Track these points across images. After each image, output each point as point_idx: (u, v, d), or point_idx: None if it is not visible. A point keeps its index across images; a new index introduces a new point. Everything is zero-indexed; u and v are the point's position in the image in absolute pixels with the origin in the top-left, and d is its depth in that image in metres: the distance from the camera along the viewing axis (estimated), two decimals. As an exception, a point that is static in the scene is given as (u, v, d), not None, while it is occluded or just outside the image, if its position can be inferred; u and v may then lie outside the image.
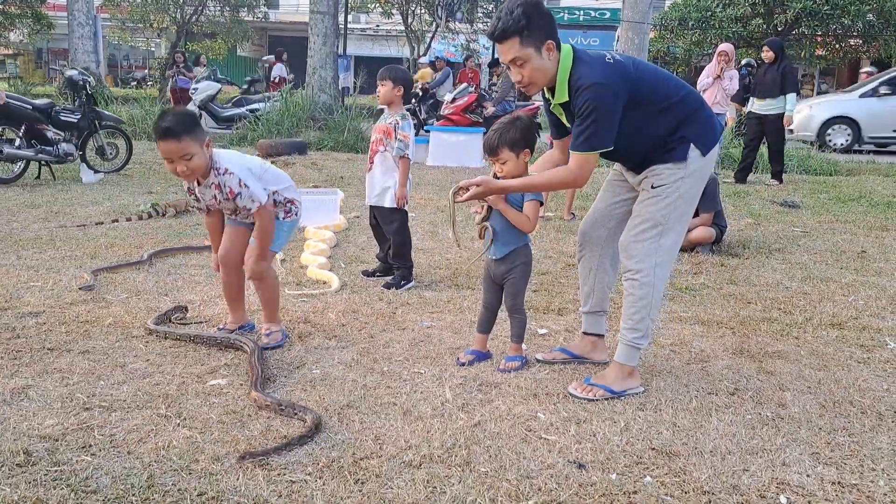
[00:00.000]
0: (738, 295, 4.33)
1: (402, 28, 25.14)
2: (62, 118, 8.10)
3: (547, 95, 2.84)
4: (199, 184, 3.13)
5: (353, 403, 2.73)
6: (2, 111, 7.48)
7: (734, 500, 2.18)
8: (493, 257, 3.05)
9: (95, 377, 2.92)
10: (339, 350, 3.26)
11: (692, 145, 2.76)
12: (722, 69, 8.61)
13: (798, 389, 2.96)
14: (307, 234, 5.60)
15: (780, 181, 9.03)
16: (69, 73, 8.71)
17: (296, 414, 2.59)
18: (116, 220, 6.09)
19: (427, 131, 11.45)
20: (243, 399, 2.75)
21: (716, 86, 8.56)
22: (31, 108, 7.79)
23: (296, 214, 3.40)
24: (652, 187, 2.79)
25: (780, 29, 19.74)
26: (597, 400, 2.77)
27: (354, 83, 16.80)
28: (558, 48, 2.71)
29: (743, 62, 13.83)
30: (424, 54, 23.56)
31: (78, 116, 8.27)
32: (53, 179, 8.06)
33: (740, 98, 13.17)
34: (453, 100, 12.32)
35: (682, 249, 5.36)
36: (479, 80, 16.60)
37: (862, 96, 14.55)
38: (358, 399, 2.77)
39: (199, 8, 27.56)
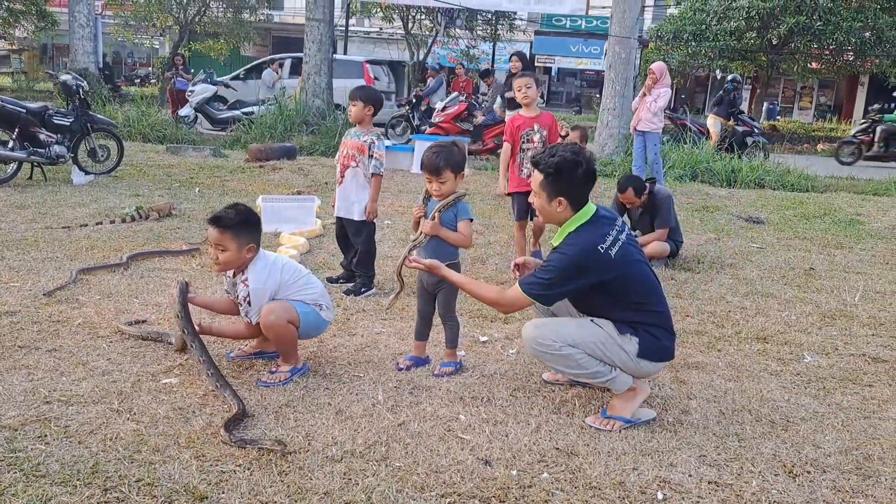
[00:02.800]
0: (679, 308, 4.58)
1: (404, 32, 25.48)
2: (55, 121, 8.36)
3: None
4: (234, 274, 3.27)
5: (290, 403, 2.99)
6: (-4, 113, 7.75)
7: (617, 494, 2.43)
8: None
9: (59, 374, 3.18)
10: (288, 353, 3.51)
11: (638, 340, 2.88)
12: (649, 87, 8.59)
13: (704, 398, 3.21)
14: (281, 241, 5.85)
15: None
16: (63, 77, 8.97)
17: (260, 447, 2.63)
18: (100, 223, 6.33)
19: (410, 139, 11.71)
20: (191, 396, 3.01)
21: (643, 103, 8.69)
22: (24, 111, 8.05)
23: (319, 307, 3.33)
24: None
25: (774, 43, 20.01)
26: (612, 431, 2.86)
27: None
28: (576, 207, 2.91)
29: (729, 77, 14.08)
30: (425, 59, 23.88)
31: (71, 119, 8.53)
32: (45, 180, 8.32)
33: (725, 113, 13.46)
34: (444, 108, 12.58)
35: (637, 263, 5.61)
36: (471, 89, 16.85)
37: None
38: (296, 399, 3.03)
39: (202, 8, 27.91)
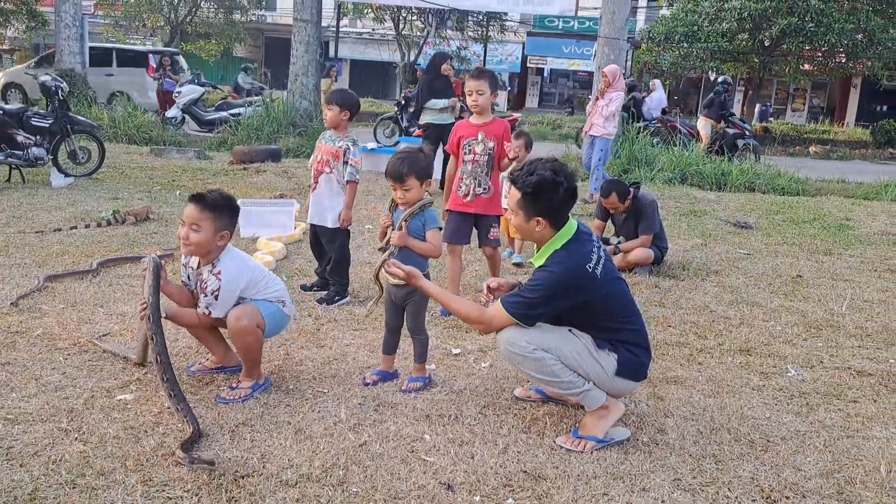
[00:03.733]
0: (662, 318, 4.46)
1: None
2: (33, 123, 8.21)
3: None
4: (197, 263, 3.13)
5: (248, 421, 2.86)
6: (-29, 116, 7.61)
7: (584, 523, 2.30)
8: (394, 282, 3.17)
9: (9, 389, 3.04)
10: (251, 367, 3.38)
11: (617, 356, 2.79)
12: (602, 91, 8.43)
13: (681, 415, 3.08)
14: (258, 246, 5.73)
15: None
16: (42, 78, 8.81)
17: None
18: (75, 227, 6.19)
19: (397, 142, 11.57)
20: (145, 415, 2.87)
21: (596, 108, 8.54)
22: (1, 112, 7.91)
23: (282, 303, 3.20)
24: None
25: (766, 44, 19.94)
26: (584, 452, 2.73)
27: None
28: (557, 226, 2.79)
29: (719, 80, 14.00)
30: (416, 60, 23.75)
31: (50, 121, 8.38)
32: (23, 182, 8.18)
33: (716, 115, 13.36)
34: (432, 110, 12.42)
35: (621, 270, 5.49)
36: (462, 90, 16.68)
37: None
38: (255, 417, 2.89)
39: (193, 9, 27.76)
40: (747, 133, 13.40)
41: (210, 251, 3.04)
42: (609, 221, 5.80)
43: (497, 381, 3.35)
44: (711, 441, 2.88)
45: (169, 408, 2.89)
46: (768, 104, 31.45)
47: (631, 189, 5.54)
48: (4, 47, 36.19)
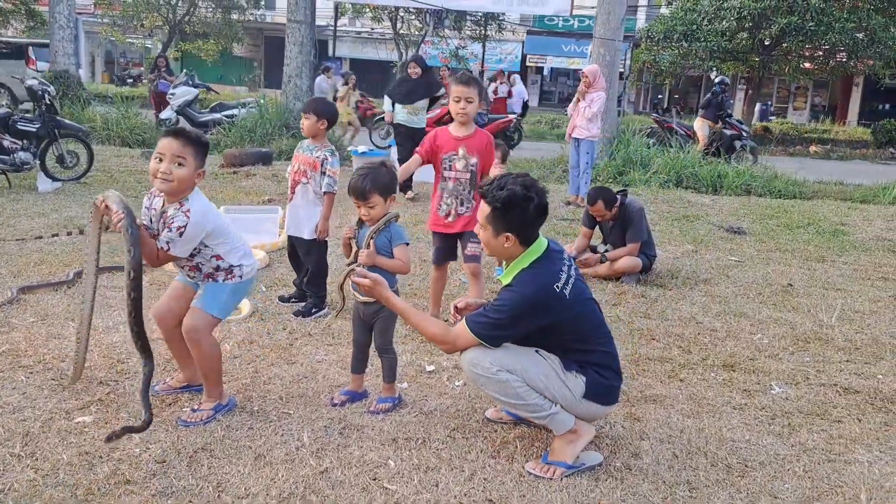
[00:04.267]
0: (646, 330, 4.36)
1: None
2: (20, 127, 8.14)
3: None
4: (161, 204, 2.98)
5: (208, 446, 2.76)
6: (-44, 121, 7.53)
7: (546, 559, 2.21)
8: (364, 300, 3.07)
9: (-35, 411, 2.95)
10: (218, 386, 3.29)
11: (585, 379, 2.70)
12: (583, 93, 8.26)
13: (658, 438, 2.99)
14: (240, 254, 5.64)
15: None
16: (29, 82, 8.74)
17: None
18: (56, 235, 6.10)
19: (390, 146, 11.47)
20: (101, 438, 2.78)
21: (578, 110, 8.42)
22: (-14, 117, 7.84)
23: (240, 277, 3.05)
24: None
25: (766, 43, 19.79)
26: (553, 479, 2.64)
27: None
28: (526, 243, 2.70)
29: (716, 80, 13.87)
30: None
31: (37, 125, 8.30)
32: (9, 187, 8.09)
33: (713, 116, 13.24)
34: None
35: (608, 279, 5.40)
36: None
37: None
38: (215, 441, 2.80)
39: (191, 9, 27.66)
40: (745, 134, 13.27)
41: (184, 189, 2.91)
42: (597, 229, 5.70)
43: (469, 401, 3.25)
44: (687, 466, 2.79)
45: (127, 428, 2.81)
46: (769, 103, 31.29)
47: (618, 196, 5.44)
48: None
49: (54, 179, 8.36)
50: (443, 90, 9.65)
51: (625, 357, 3.89)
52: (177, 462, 2.65)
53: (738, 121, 13.67)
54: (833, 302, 5.09)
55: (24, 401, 3.07)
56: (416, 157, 4.21)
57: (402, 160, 8.80)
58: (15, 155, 7.91)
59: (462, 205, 4.17)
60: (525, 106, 18.08)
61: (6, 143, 7.89)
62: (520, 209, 2.66)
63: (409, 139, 8.38)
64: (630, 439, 2.97)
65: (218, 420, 2.97)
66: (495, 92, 17.26)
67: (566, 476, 2.66)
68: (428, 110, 12.50)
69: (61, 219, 6.71)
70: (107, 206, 2.84)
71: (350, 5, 25.07)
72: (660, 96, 32.59)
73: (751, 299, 5.12)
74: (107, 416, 2.97)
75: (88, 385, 3.25)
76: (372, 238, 2.98)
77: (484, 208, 2.73)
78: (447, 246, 4.30)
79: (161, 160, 2.86)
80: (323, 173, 4.31)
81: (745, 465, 2.81)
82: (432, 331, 2.79)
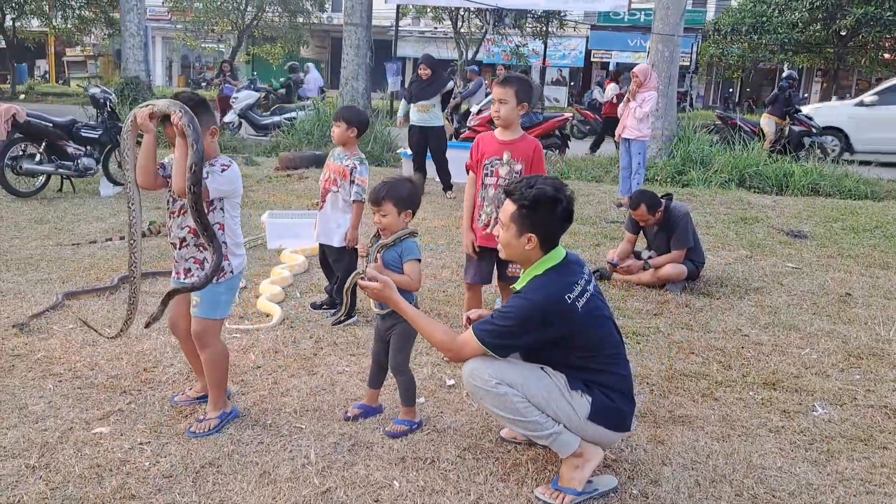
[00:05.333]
0: (685, 343, 4.17)
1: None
2: (83, 134, 8.45)
3: None
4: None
5: (216, 461, 2.76)
6: (24, 129, 7.87)
7: None
8: (379, 312, 3.02)
9: (-8, 419, 3.03)
10: (235, 398, 3.29)
11: (591, 399, 2.58)
12: (634, 92, 7.97)
13: (681, 464, 2.83)
14: (281, 258, 5.69)
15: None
16: (92, 90, 9.08)
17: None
18: (110, 239, 6.29)
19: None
20: (115, 451, 2.81)
21: (628, 109, 8.10)
22: (51, 125, 8.15)
23: (231, 273, 3.02)
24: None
25: (842, 34, 18.91)
26: None
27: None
28: (546, 247, 2.62)
29: (784, 74, 13.28)
30: (474, 57, 23.60)
31: (100, 132, 8.61)
32: (74, 192, 8.42)
33: (780, 112, 12.69)
34: (479, 111, 12.25)
35: (651, 287, 5.20)
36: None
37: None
38: (223, 456, 2.79)
39: (258, 13, 28.33)
40: (814, 130, 12.66)
41: (210, 155, 2.94)
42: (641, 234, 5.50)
43: (486, 419, 3.15)
44: (709, 495, 2.62)
45: (141, 443, 2.84)
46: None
47: (662, 200, 5.23)
48: (89, 53, 37.94)
49: (116, 184, 8.64)
50: (451, 84, 9.67)
51: (657, 373, 3.73)
52: (183, 477, 2.65)
53: (807, 116, 13.06)
54: (893, 314, 4.76)
55: (49, 410, 3.14)
56: (470, 177, 3.93)
57: (416, 163, 8.81)
58: (79, 161, 8.23)
59: None
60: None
61: (70, 150, 8.21)
62: (547, 210, 2.57)
63: (422, 139, 8.57)
64: (651, 464, 2.82)
65: (227, 431, 2.96)
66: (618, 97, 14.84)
67: (576, 503, 2.54)
68: (479, 112, 12.50)
69: (118, 223, 6.91)
70: (147, 117, 2.81)
71: (412, 6, 25.20)
72: (730, 90, 31.56)
73: (804, 310, 4.84)
74: (124, 427, 3.01)
75: (112, 394, 3.30)
76: (379, 252, 2.92)
77: (508, 207, 2.63)
78: (485, 264, 3.88)
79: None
80: (352, 182, 4.29)
81: (773, 496, 2.63)
82: (439, 337, 2.72)
